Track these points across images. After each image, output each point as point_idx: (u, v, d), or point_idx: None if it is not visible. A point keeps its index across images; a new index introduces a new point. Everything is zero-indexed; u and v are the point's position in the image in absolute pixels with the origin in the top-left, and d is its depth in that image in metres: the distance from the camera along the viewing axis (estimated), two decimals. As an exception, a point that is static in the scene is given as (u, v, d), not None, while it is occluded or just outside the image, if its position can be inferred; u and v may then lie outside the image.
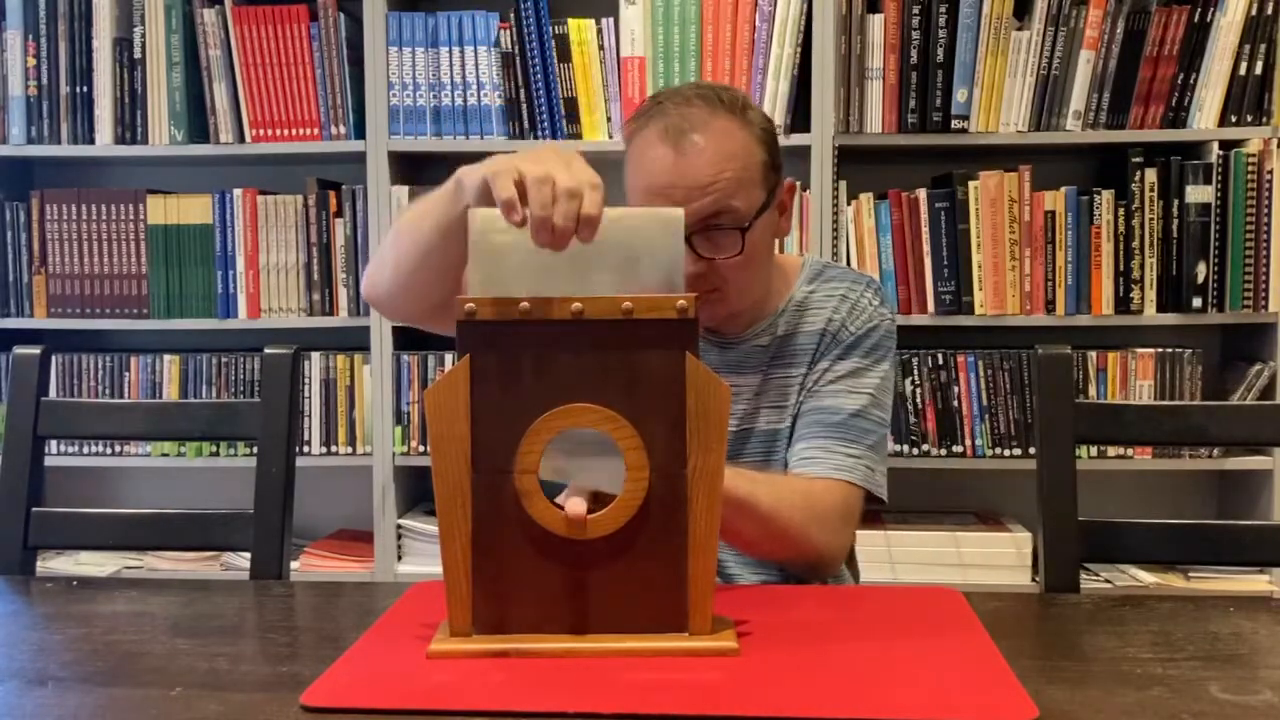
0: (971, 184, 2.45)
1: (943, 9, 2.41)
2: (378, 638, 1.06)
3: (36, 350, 1.47)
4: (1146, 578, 2.47)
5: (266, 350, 1.45)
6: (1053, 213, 2.45)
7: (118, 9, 2.56)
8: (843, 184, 2.45)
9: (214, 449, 2.60)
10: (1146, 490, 2.60)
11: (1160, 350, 2.48)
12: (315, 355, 2.58)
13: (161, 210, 2.60)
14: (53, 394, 1.61)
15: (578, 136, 2.48)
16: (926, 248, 2.46)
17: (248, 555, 1.41)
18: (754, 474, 1.33)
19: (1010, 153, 2.50)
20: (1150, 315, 2.45)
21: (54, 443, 2.54)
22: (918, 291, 2.47)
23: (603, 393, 1.01)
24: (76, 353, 2.63)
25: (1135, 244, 2.44)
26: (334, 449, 2.59)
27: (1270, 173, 2.41)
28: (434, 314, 1.33)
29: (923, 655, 1.00)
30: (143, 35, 2.56)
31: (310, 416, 2.58)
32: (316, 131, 2.55)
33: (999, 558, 2.48)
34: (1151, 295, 2.45)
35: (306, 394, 2.58)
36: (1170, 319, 2.46)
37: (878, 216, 2.47)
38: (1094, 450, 2.45)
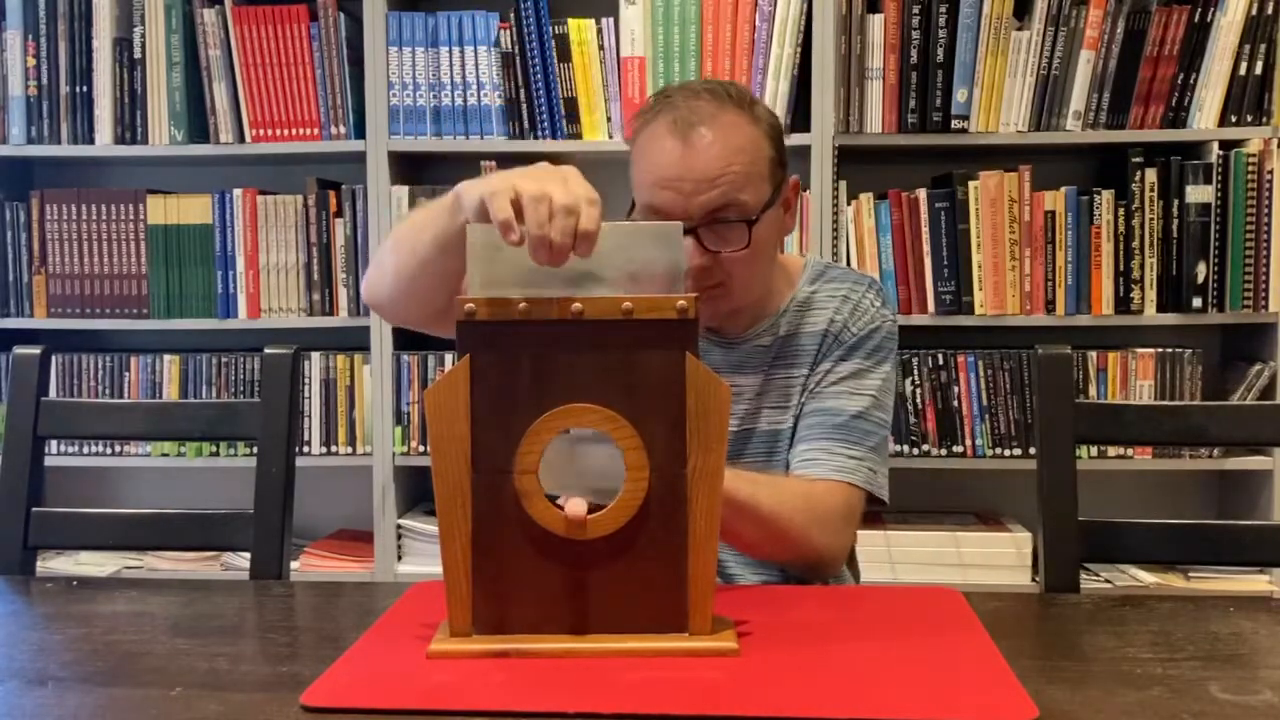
0: (971, 184, 2.45)
1: (943, 9, 2.41)
2: (378, 638, 1.06)
3: (36, 350, 1.47)
4: (1146, 578, 2.47)
5: (266, 350, 1.45)
6: (1053, 213, 2.45)
7: (118, 9, 2.56)
8: (843, 184, 2.45)
9: (214, 449, 2.60)
10: (1146, 490, 2.60)
11: (1160, 350, 2.48)
12: (315, 355, 2.58)
13: (161, 210, 2.60)
14: (53, 394, 1.60)
15: (578, 137, 2.48)
16: (926, 248, 2.46)
17: (248, 555, 1.41)
18: (754, 476, 1.33)
19: (1010, 153, 2.49)
20: (1150, 315, 2.45)
21: (54, 443, 2.54)
22: (918, 291, 2.47)
23: (603, 393, 1.01)
24: (76, 353, 2.63)
25: (1135, 244, 2.44)
26: (334, 449, 2.59)
27: (1270, 173, 2.41)
28: (435, 319, 1.33)
29: (923, 655, 1.00)
30: (143, 35, 2.56)
31: (310, 416, 2.58)
32: (316, 131, 2.55)
33: (999, 558, 2.48)
34: (1151, 295, 2.45)
35: (306, 394, 2.58)
36: (1170, 319, 2.46)
37: (878, 216, 2.47)
38: (1094, 450, 2.45)
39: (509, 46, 2.49)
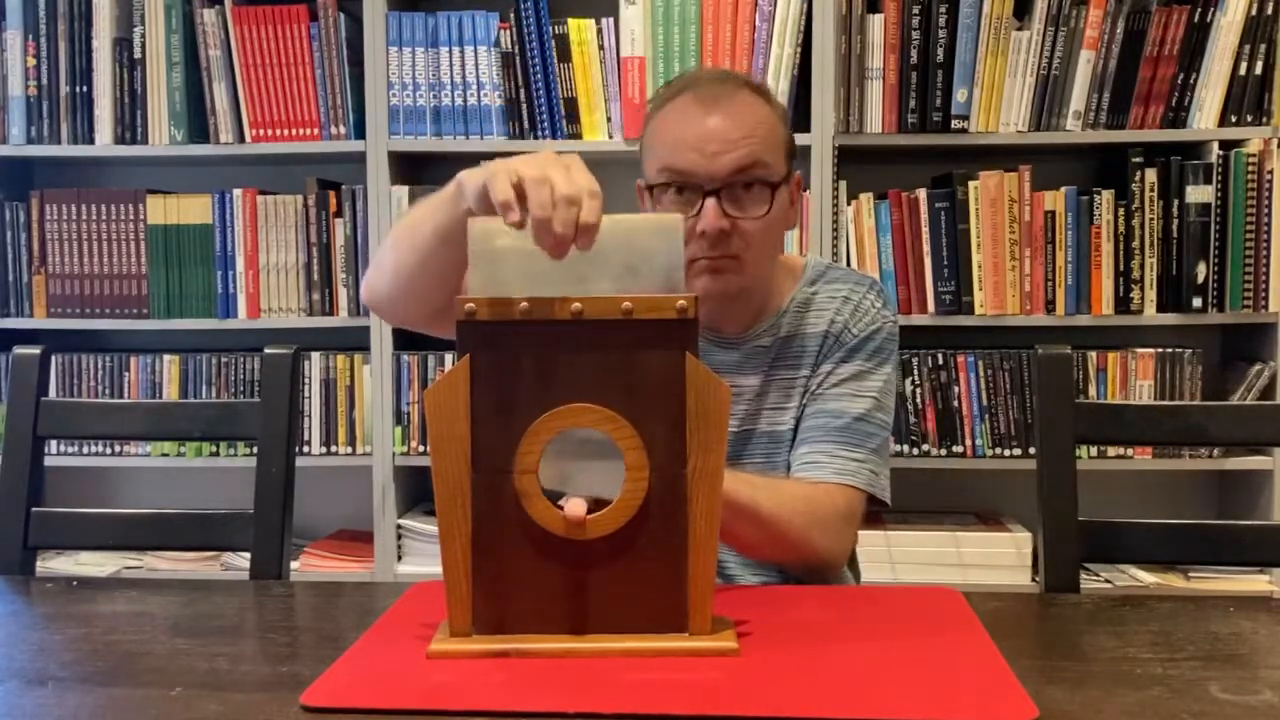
0: (971, 184, 2.45)
1: (943, 9, 2.41)
2: (378, 638, 1.06)
3: (36, 350, 1.47)
4: (1146, 578, 2.47)
5: (266, 350, 1.45)
6: (1053, 213, 2.45)
7: (118, 9, 2.56)
8: (843, 184, 2.45)
9: (214, 449, 2.60)
10: (1146, 490, 2.60)
11: (1160, 350, 2.48)
12: (315, 355, 2.58)
13: (161, 210, 2.60)
14: (53, 394, 1.61)
15: (578, 136, 2.48)
16: (926, 248, 2.46)
17: (248, 555, 1.41)
18: (754, 478, 1.33)
19: (1010, 153, 2.49)
20: (1150, 315, 2.45)
21: (54, 443, 2.54)
22: (918, 291, 2.47)
23: (602, 393, 1.01)
24: (76, 353, 2.63)
25: (1135, 244, 2.44)
26: (334, 449, 2.59)
27: (1270, 173, 2.41)
28: (434, 318, 1.33)
29: (923, 655, 1.00)
30: (143, 35, 2.56)
31: (310, 416, 2.58)
32: (316, 131, 2.55)
33: (999, 558, 2.48)
34: (1151, 295, 2.45)
35: (306, 394, 2.58)
36: (1170, 319, 2.46)
37: (878, 216, 2.47)
38: (1094, 450, 2.45)
39: (509, 46, 2.49)
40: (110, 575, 2.54)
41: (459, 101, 2.51)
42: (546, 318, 1.00)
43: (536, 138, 2.48)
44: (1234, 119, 2.42)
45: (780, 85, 2.42)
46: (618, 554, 1.02)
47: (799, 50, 2.43)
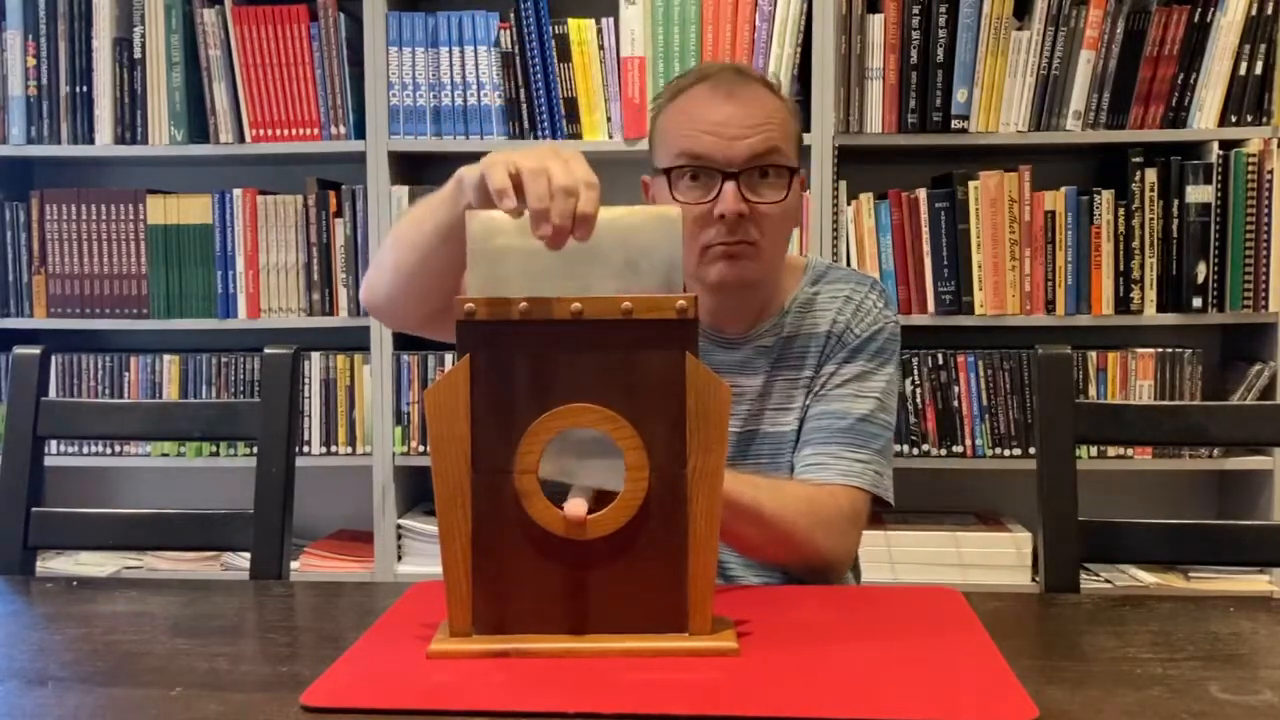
0: (971, 184, 2.45)
1: (943, 9, 2.41)
2: (378, 638, 1.06)
3: (36, 350, 1.47)
4: (1146, 578, 2.47)
5: (266, 350, 1.45)
6: (1053, 213, 2.45)
7: (118, 9, 2.56)
8: (843, 184, 2.45)
9: (214, 449, 2.60)
10: (1146, 490, 2.60)
11: (1160, 350, 2.48)
12: (315, 355, 2.58)
13: (161, 210, 2.60)
14: (53, 394, 1.60)
15: (578, 136, 2.48)
16: (926, 248, 2.46)
17: (248, 555, 1.41)
18: (757, 479, 1.33)
19: (1010, 153, 2.49)
20: (1150, 315, 2.46)
21: (54, 443, 2.54)
22: (918, 291, 2.47)
23: (602, 393, 1.01)
24: (76, 353, 2.63)
25: (1135, 244, 2.44)
26: (334, 449, 2.59)
27: (1270, 173, 2.41)
28: (434, 319, 1.32)
29: (923, 655, 1.00)
30: (143, 35, 2.56)
31: (310, 416, 2.58)
32: (316, 131, 2.55)
33: (999, 558, 2.48)
34: (1151, 295, 2.45)
35: (306, 394, 2.58)
36: (1170, 319, 2.46)
37: (878, 216, 2.47)
38: (1094, 450, 2.45)
39: (509, 46, 2.49)
40: (110, 575, 2.54)
41: (459, 101, 2.50)
42: (546, 317, 1.00)
43: (536, 138, 2.48)
44: (1234, 119, 2.42)
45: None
46: (618, 554, 1.02)
47: (799, 50, 2.43)
